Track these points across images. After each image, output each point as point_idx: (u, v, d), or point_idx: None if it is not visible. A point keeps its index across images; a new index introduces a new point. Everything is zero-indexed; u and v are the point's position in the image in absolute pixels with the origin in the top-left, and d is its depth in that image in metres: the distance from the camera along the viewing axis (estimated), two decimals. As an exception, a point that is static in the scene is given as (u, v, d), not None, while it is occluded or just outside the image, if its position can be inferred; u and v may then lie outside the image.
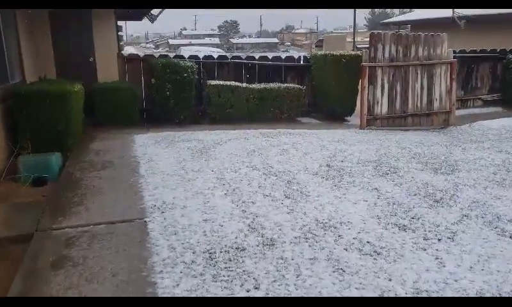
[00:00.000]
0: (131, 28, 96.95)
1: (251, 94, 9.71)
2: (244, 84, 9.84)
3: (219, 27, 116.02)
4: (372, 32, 9.42)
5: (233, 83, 9.68)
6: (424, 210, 4.58)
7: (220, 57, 10.66)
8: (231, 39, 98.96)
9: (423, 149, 7.33)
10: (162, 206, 4.64)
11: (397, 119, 9.54)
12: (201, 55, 10.44)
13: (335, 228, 4.10)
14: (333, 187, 5.27)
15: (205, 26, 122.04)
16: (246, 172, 5.78)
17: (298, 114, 10.34)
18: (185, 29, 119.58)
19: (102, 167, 6.17)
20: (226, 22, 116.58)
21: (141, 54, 10.45)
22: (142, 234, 4.03)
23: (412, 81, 9.49)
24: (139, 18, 12.90)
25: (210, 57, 10.47)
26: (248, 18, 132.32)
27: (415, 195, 5.04)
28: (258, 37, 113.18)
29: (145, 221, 4.30)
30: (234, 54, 11.48)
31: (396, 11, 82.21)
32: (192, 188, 5.13)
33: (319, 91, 10.54)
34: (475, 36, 13.73)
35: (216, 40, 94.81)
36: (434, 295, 3.05)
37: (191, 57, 10.10)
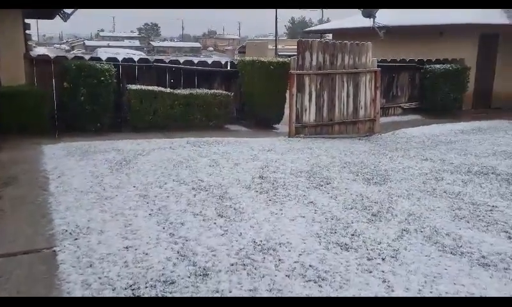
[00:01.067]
0: (44, 28, 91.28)
1: (176, 100, 9.14)
2: (168, 89, 9.25)
3: (139, 30, 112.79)
4: (300, 40, 9.30)
5: (156, 88, 9.06)
6: (363, 226, 4.38)
7: (141, 60, 9.96)
8: (152, 42, 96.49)
9: (352, 158, 7.27)
10: (76, 231, 4.00)
11: (325, 127, 9.50)
12: (120, 58, 9.68)
13: (275, 250, 3.74)
14: (268, 201, 4.93)
15: (124, 28, 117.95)
16: (173, 187, 5.27)
17: (226, 121, 9.95)
18: (102, 30, 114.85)
19: (3, 184, 5.32)
20: (147, 24, 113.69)
21: (54, 55, 9.46)
22: (50, 268, 3.39)
23: (339, 89, 9.51)
24: (50, 17, 11.76)
25: (131, 60, 9.73)
26: (169, 21, 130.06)
27: (352, 208, 4.85)
28: (180, 41, 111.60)
29: (54, 251, 3.65)
30: (157, 57, 10.77)
31: (315, 20, 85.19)
32: (111, 209, 4.52)
33: (247, 98, 10.24)
34: (394, 46, 14.25)
35: (136, 43, 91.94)
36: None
37: (109, 59, 9.30)
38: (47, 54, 9.23)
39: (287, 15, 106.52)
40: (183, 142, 7.80)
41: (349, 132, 9.72)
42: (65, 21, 10.86)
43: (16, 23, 8.56)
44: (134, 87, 8.87)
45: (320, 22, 59.11)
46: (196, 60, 10.72)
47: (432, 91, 12.28)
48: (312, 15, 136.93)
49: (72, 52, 66.18)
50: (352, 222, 4.44)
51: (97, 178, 5.52)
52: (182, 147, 7.45)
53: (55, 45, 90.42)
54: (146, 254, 3.61)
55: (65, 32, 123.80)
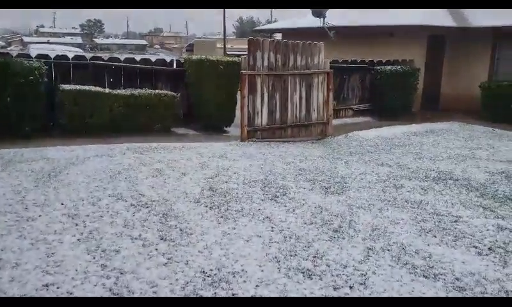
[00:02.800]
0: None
1: (116, 101, 8.36)
2: (107, 90, 8.44)
3: (82, 26, 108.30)
4: (251, 38, 8.79)
5: (93, 88, 8.22)
6: (326, 245, 3.93)
7: (77, 57, 9.04)
8: (95, 39, 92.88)
9: (307, 164, 6.85)
10: (-18, 265, 3.26)
11: (277, 131, 9.06)
12: (54, 55, 8.77)
13: (227, 282, 3.19)
14: (219, 218, 4.38)
15: (66, 24, 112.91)
16: (109, 204, 4.58)
17: (173, 124, 9.27)
18: (42, 26, 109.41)
19: None
20: (90, 20, 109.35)
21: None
22: None
23: (291, 91, 9.10)
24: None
25: (65, 57, 8.81)
26: (113, 18, 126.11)
27: (312, 223, 4.40)
28: (125, 38, 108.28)
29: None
30: (98, 55, 9.89)
31: (263, 20, 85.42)
32: (32, 233, 3.79)
33: (196, 99, 9.61)
34: (345, 47, 14.09)
35: (79, 39, 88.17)
36: None
37: (39, 56, 8.36)
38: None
39: (235, 15, 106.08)
40: (123, 149, 7.07)
41: (302, 135, 9.34)
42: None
43: None
44: (67, 87, 8.00)
45: (269, 22, 59.16)
46: (138, 58, 9.94)
47: (382, 92, 12.19)
48: (260, 14, 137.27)
49: (8, 48, 62.28)
50: (314, 241, 3.97)
51: (19, 194, 4.73)
52: (122, 154, 6.73)
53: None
54: (71, 293, 2.95)
55: (1, 27, 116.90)
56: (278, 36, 22.40)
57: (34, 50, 12.11)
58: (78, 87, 8.10)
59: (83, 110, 8.01)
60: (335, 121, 11.11)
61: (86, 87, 8.15)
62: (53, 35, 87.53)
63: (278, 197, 5.13)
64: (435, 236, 4.25)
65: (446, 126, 10.95)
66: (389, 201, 5.26)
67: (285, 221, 4.40)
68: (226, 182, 5.62)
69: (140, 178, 5.56)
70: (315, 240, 4.00)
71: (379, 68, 12.27)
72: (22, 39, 79.44)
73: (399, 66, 12.29)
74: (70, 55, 9.09)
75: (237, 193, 5.17)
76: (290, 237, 4.02)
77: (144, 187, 5.20)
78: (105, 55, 10.37)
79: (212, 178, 5.75)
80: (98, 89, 8.30)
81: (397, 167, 6.90)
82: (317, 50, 9.37)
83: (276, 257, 3.62)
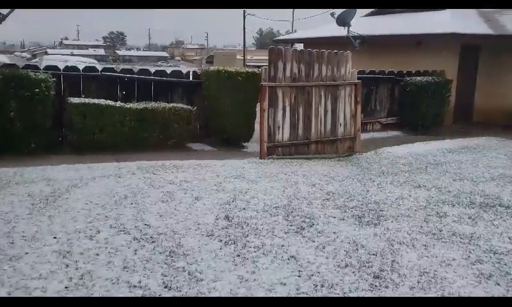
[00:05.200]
0: (5, 35, 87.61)
1: (128, 115, 7.81)
2: (119, 103, 7.90)
3: (105, 38, 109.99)
4: (272, 47, 8.14)
5: (102, 101, 7.68)
6: (366, 296, 3.20)
7: (87, 68, 8.53)
8: (117, 51, 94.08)
9: (335, 187, 6.13)
10: None
11: (300, 147, 8.36)
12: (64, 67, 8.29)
13: (245, 353, 2.50)
14: (236, 258, 3.69)
15: (89, 37, 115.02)
16: (108, 237, 3.95)
17: (188, 139, 8.68)
18: (66, 38, 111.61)
19: None
20: (112, 33, 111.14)
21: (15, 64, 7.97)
22: None
23: (315, 104, 8.40)
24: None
25: (74, 68, 8.29)
26: (136, 31, 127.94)
27: (346, 266, 3.67)
28: (146, 50, 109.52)
29: None
30: (107, 66, 9.37)
31: (283, 31, 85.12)
32: (12, 278, 3.17)
33: (212, 113, 9.00)
34: (370, 56, 13.37)
35: (101, 51, 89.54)
36: None
37: (47, 68, 7.88)
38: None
39: (255, 26, 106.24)
40: (132, 168, 6.47)
41: (327, 151, 8.61)
42: (0, 23, 9.37)
43: None
44: (76, 100, 7.48)
45: (288, 33, 58.61)
46: (153, 69, 9.40)
47: (412, 105, 11.39)
48: (280, 26, 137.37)
49: (33, 60, 63.27)
50: (351, 291, 3.25)
51: (9, 224, 4.15)
52: (131, 174, 6.13)
53: (15, 53, 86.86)
54: None
55: (28, 40, 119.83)
56: (299, 47, 21.80)
57: (47, 61, 11.75)
58: (87, 100, 7.58)
59: (92, 125, 7.47)
60: (363, 136, 10.33)
61: (96, 101, 7.62)
62: (77, 47, 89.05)
63: (304, 229, 4.42)
64: (498, 285, 3.48)
65: (483, 142, 10.07)
66: (434, 234, 4.50)
67: (314, 262, 3.69)
68: (244, 209, 4.94)
69: (148, 203, 4.93)
70: (353, 289, 3.28)
71: (408, 79, 11.50)
72: (46, 51, 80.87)
73: (430, 77, 11.48)
74: (81, 67, 8.59)
75: (256, 223, 4.49)
76: (322, 285, 3.31)
77: (151, 215, 4.56)
78: (118, 67, 9.88)
79: (228, 204, 5.08)
80: (109, 102, 7.77)
81: (436, 191, 6.12)
82: (343, 60, 8.67)
83: (305, 314, 2.92)
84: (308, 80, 8.26)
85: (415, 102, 11.31)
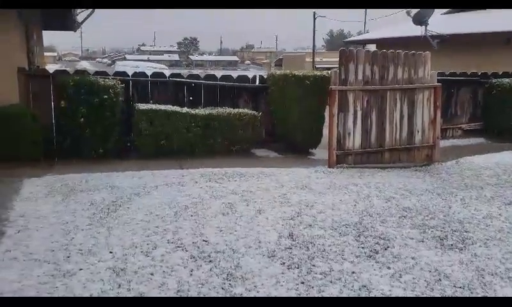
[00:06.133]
0: (88, 42, 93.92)
1: (194, 121, 7.69)
2: (185, 109, 7.81)
3: (179, 44, 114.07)
4: (343, 49, 7.65)
5: (169, 107, 7.63)
6: (453, 343, 2.69)
7: (155, 74, 8.52)
8: (190, 56, 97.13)
9: (413, 202, 5.53)
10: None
11: (373, 155, 7.78)
12: (142, 72, 8.37)
13: None
14: (299, 285, 3.30)
15: (165, 42, 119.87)
16: (165, 254, 3.73)
17: (253, 145, 8.42)
18: (144, 44, 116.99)
19: None
20: (186, 38, 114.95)
21: (56, 69, 8.27)
22: None
23: (390, 109, 7.77)
24: (63, 27, 10.70)
25: (142, 74, 8.33)
26: (208, 36, 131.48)
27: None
28: (218, 55, 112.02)
29: None
30: (174, 72, 9.40)
31: (354, 32, 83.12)
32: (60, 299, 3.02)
33: (278, 118, 8.67)
34: (450, 57, 12.37)
35: (175, 57, 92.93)
36: None
37: (116, 74, 7.98)
38: (45, 68, 8.02)
39: (325, 28, 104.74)
40: (196, 175, 6.30)
41: (402, 160, 7.94)
42: (75, 31, 9.76)
43: (9, 31, 7.33)
44: (142, 106, 7.48)
45: (360, 33, 56.94)
46: (219, 74, 9.25)
47: (499, 109, 10.31)
48: (351, 27, 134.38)
49: (112, 65, 66.98)
50: (435, 336, 2.75)
51: (68, 235, 4.07)
52: (194, 182, 5.95)
53: (97, 59, 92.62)
54: None
55: (109, 47, 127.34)
56: (371, 48, 20.90)
57: (120, 67, 12.08)
58: (154, 106, 7.56)
59: (158, 131, 7.43)
60: (442, 143, 9.50)
61: (162, 107, 7.58)
62: (153, 53, 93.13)
63: (377, 252, 3.94)
64: None
65: None
66: (534, 264, 3.82)
67: (389, 293, 3.22)
68: (310, 226, 4.54)
69: (208, 216, 4.69)
70: (437, 333, 2.78)
71: (495, 80, 10.43)
72: (125, 57, 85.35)
73: (521, 79, 10.33)
74: (150, 72, 8.62)
75: (323, 244, 4.07)
76: (399, 325, 2.84)
77: (210, 230, 4.29)
78: (202, 72, 9.87)
79: (293, 219, 4.71)
80: (175, 108, 7.71)
81: (533, 209, 5.33)
82: (421, 61, 7.97)
83: None
84: (382, 84, 7.66)
85: (502, 106, 10.23)
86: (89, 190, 5.45)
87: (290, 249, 3.93)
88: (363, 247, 4.04)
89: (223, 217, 4.67)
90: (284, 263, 3.64)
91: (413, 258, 3.86)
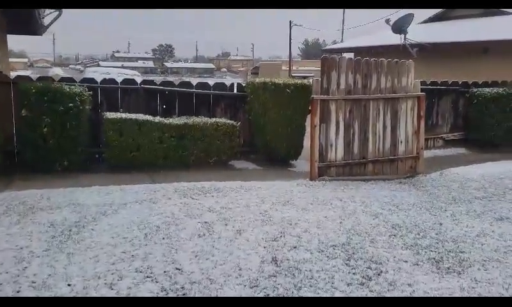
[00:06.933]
0: (61, 48, 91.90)
1: (167, 131, 7.22)
2: (158, 118, 7.33)
3: (154, 51, 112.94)
4: (325, 57, 7.33)
5: (140, 116, 7.13)
6: None
7: (126, 81, 8.01)
8: (165, 63, 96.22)
9: (401, 218, 5.21)
10: None
11: (355, 167, 7.45)
12: (113, 78, 7.83)
13: None
14: (286, 323, 2.89)
15: (139, 49, 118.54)
16: (131, 287, 3.25)
17: (231, 156, 7.99)
18: (118, 51, 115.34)
19: None
20: (161, 45, 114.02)
21: (19, 75, 7.69)
22: None
23: (373, 119, 7.48)
24: (28, 31, 10.06)
25: (112, 81, 7.80)
26: (183, 43, 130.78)
27: (433, 339, 2.79)
28: (194, 62, 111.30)
29: None
30: (146, 78, 8.90)
31: (329, 41, 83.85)
32: (6, 346, 2.53)
33: (257, 128, 8.28)
34: (429, 66, 12.25)
35: (150, 64, 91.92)
36: None
37: (84, 80, 7.44)
38: (5, 74, 7.41)
39: (301, 37, 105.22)
40: (169, 191, 5.83)
41: (385, 172, 7.66)
42: (41, 35, 9.16)
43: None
44: (111, 115, 6.96)
45: (335, 43, 57.28)
46: (195, 81, 8.80)
47: (480, 119, 10.19)
48: (326, 36, 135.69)
49: (82, 72, 65.39)
50: None
51: (20, 264, 3.55)
52: (167, 198, 5.47)
53: (70, 66, 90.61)
54: None
55: (82, 53, 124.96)
56: (350, 57, 20.83)
57: (90, 74, 11.50)
58: (124, 115, 7.05)
59: (128, 142, 6.93)
60: (424, 153, 9.32)
61: (133, 116, 7.08)
62: (127, 59, 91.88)
63: (370, 279, 3.56)
64: None
65: None
66: (539, 290, 3.51)
67: (388, 332, 2.84)
68: (295, 247, 4.14)
69: (182, 238, 4.23)
70: None
71: (475, 90, 10.31)
72: (98, 64, 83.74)
73: (501, 89, 10.22)
74: (120, 79, 8.11)
75: (310, 270, 3.66)
76: None
77: (185, 255, 3.84)
78: (177, 79, 9.39)
79: (276, 240, 4.30)
80: (147, 117, 7.21)
81: (526, 225, 5.07)
82: (405, 70, 7.72)
83: None
84: (365, 93, 7.37)
85: (483, 115, 10.11)
86: (49, 208, 4.91)
87: (275, 276, 3.51)
88: (354, 273, 3.65)
89: (198, 240, 4.22)
90: (267, 294, 3.22)
91: (409, 285, 3.50)
